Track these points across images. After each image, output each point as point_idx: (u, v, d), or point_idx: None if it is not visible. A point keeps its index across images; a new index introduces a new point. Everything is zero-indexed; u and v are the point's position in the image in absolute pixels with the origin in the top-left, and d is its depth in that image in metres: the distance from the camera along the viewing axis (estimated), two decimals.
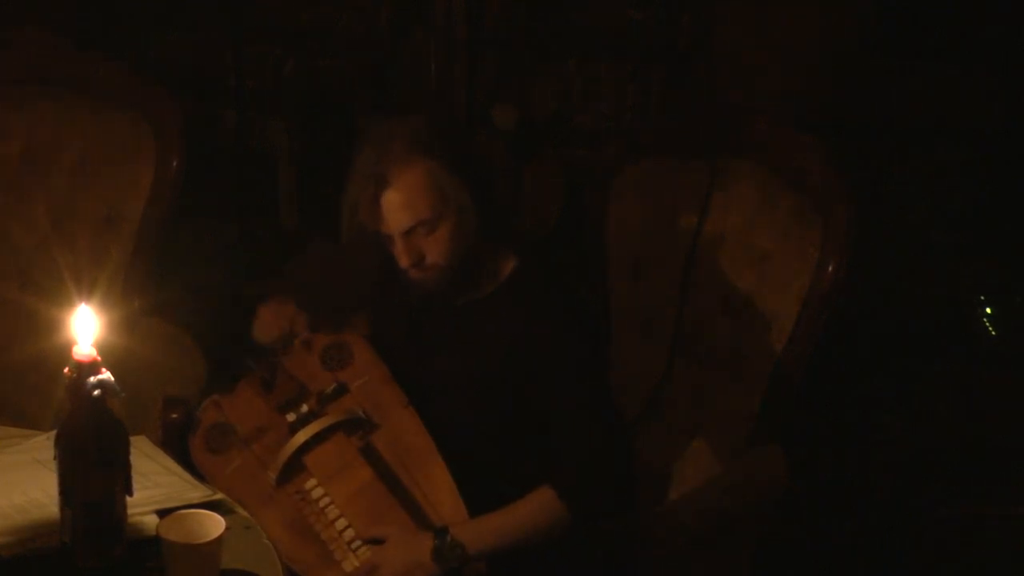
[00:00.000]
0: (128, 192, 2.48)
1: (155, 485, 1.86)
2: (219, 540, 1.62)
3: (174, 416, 2.11)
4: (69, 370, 1.56)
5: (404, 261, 1.98)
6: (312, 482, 1.99)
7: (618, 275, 2.52)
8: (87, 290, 2.40)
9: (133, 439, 1.65)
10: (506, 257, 2.07)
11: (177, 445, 2.06)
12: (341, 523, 1.95)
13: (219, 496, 1.88)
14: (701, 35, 2.89)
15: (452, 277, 2.01)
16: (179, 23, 3.02)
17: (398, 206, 1.94)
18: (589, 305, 2.09)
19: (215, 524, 1.64)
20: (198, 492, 1.87)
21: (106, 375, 1.56)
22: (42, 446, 1.91)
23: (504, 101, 2.95)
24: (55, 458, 1.59)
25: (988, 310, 2.90)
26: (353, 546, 1.93)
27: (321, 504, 1.97)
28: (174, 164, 2.44)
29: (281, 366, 2.13)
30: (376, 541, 1.93)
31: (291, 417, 2.05)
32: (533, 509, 1.93)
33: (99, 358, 1.57)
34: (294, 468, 2.00)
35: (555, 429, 1.98)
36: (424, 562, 1.89)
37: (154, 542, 1.63)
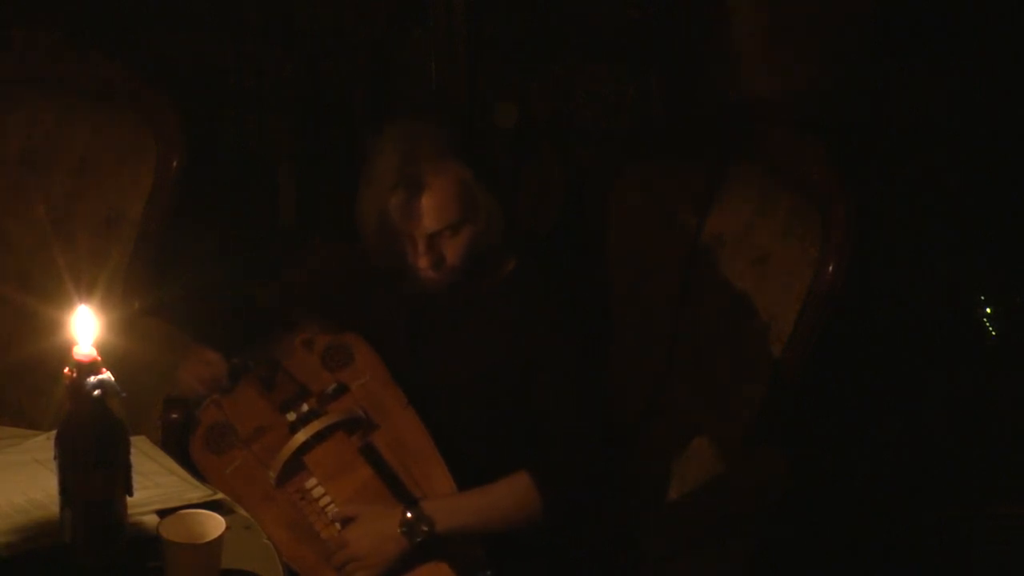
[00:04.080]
0: (128, 192, 2.48)
1: (155, 485, 1.86)
2: (219, 540, 1.62)
3: (174, 416, 2.11)
4: (69, 370, 1.56)
5: (423, 263, 1.99)
6: (312, 481, 1.99)
7: (618, 275, 2.52)
8: (87, 290, 2.39)
9: (133, 439, 1.65)
10: (506, 257, 2.08)
11: (177, 445, 2.06)
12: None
13: (219, 496, 1.88)
14: (701, 35, 2.88)
15: (461, 278, 2.02)
16: (179, 23, 3.02)
17: (429, 209, 1.96)
18: (586, 304, 2.10)
19: (215, 524, 1.64)
20: (198, 492, 1.87)
21: (106, 375, 1.56)
22: (42, 446, 1.91)
23: (504, 101, 2.95)
24: (55, 458, 1.59)
25: (988, 310, 2.90)
26: None
27: (321, 503, 1.97)
28: (174, 164, 2.44)
29: (281, 366, 2.14)
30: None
31: (291, 416, 2.06)
32: (507, 493, 1.94)
33: (99, 358, 1.57)
34: (294, 467, 2.00)
35: (541, 420, 1.99)
36: (394, 535, 1.89)
37: (154, 542, 1.63)
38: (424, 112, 2.09)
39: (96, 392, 1.55)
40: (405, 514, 1.89)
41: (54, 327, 1.78)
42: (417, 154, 1.95)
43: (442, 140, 1.97)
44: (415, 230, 1.97)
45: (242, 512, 1.87)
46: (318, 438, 2.02)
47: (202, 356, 2.13)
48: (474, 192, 1.98)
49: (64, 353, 1.58)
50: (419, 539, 1.89)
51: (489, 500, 1.94)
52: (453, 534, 1.91)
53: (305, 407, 2.07)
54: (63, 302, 1.98)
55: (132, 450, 1.62)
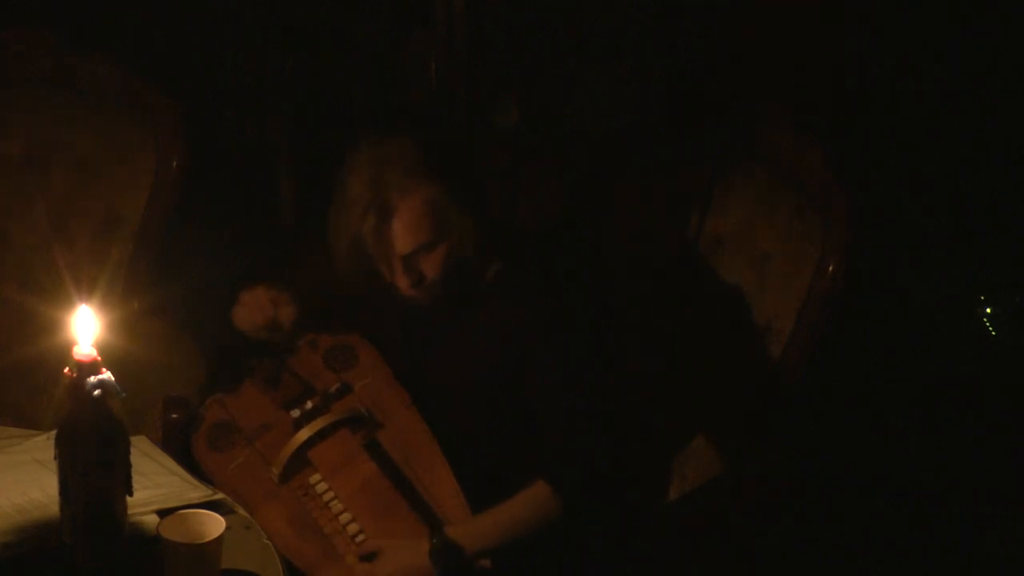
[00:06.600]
0: (128, 192, 2.48)
1: (155, 485, 1.86)
2: (219, 540, 1.62)
3: (175, 416, 2.11)
4: (69, 370, 1.56)
5: (403, 282, 2.00)
6: (316, 477, 1.99)
7: (618, 275, 2.52)
8: (87, 290, 2.39)
9: (133, 439, 1.65)
10: (490, 260, 2.08)
11: (178, 445, 2.06)
12: (345, 517, 1.95)
13: (219, 496, 1.89)
14: (701, 35, 2.89)
15: (442, 291, 2.03)
16: (179, 23, 3.02)
17: (401, 232, 1.97)
18: (579, 302, 2.10)
19: (215, 524, 1.64)
20: (198, 492, 1.87)
21: (106, 375, 1.56)
22: (42, 446, 1.91)
23: (504, 101, 2.95)
24: (55, 458, 1.59)
25: (988, 310, 2.90)
26: (357, 540, 1.93)
27: (325, 499, 1.97)
28: (174, 164, 2.44)
29: (285, 365, 2.14)
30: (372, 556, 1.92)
31: (295, 414, 2.06)
32: (528, 504, 1.93)
33: (99, 358, 1.57)
34: (298, 463, 2.00)
35: (545, 422, 1.99)
36: (422, 565, 1.88)
37: (154, 542, 1.63)
38: (393, 129, 2.09)
39: (96, 392, 1.55)
40: (432, 543, 1.89)
41: (54, 327, 1.77)
42: (385, 178, 1.96)
43: (411, 159, 1.97)
44: (390, 253, 1.98)
45: (242, 512, 1.87)
46: (322, 435, 2.02)
47: (274, 295, 2.12)
48: (445, 208, 1.98)
49: (64, 353, 1.58)
50: (451, 567, 1.87)
51: (512, 514, 1.93)
52: (481, 556, 1.90)
53: (309, 404, 2.07)
54: (63, 302, 1.98)
55: (132, 450, 1.62)
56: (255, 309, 2.13)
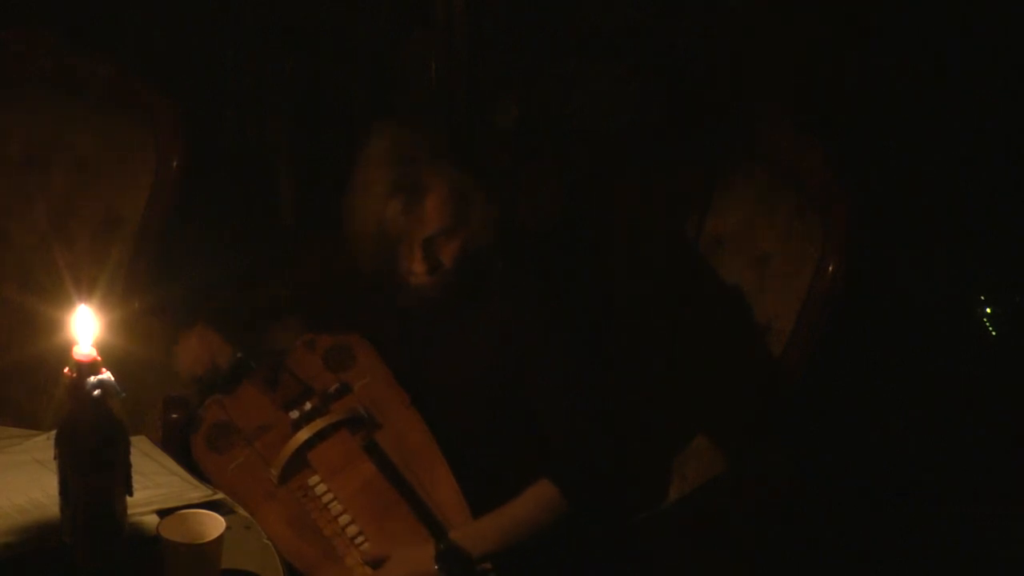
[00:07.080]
0: (128, 192, 2.48)
1: (155, 485, 1.86)
2: (219, 540, 1.62)
3: (175, 416, 2.11)
4: (69, 370, 1.56)
5: (420, 268, 2.00)
6: (315, 478, 1.99)
7: (618, 275, 2.53)
8: (87, 290, 2.39)
9: (133, 439, 1.65)
10: (493, 259, 2.08)
11: (178, 445, 2.06)
12: (344, 519, 1.95)
13: (219, 496, 1.88)
14: (701, 35, 2.89)
15: (453, 279, 2.03)
16: (179, 23, 3.02)
17: (430, 212, 1.96)
18: (579, 302, 2.10)
19: (215, 524, 1.64)
20: (198, 492, 1.87)
21: (106, 375, 1.56)
22: (42, 446, 1.91)
23: (504, 101, 2.96)
24: (55, 458, 1.59)
25: (988, 310, 2.90)
26: (356, 541, 1.93)
27: (324, 500, 1.97)
28: (174, 164, 2.44)
29: (284, 366, 2.14)
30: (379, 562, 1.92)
31: (294, 415, 2.06)
32: (534, 505, 1.93)
33: (99, 358, 1.57)
34: (297, 465, 2.00)
35: (546, 422, 1.99)
36: (428, 571, 1.88)
37: (154, 542, 1.63)
38: (412, 117, 2.09)
39: (96, 392, 1.55)
40: (438, 549, 1.88)
41: (54, 327, 1.78)
42: (412, 159, 1.96)
43: (433, 144, 1.99)
44: (414, 234, 1.98)
45: (242, 512, 1.87)
46: (321, 436, 2.02)
47: (206, 336, 2.12)
48: (468, 195, 1.99)
49: (64, 353, 1.58)
50: (457, 572, 1.87)
51: (517, 516, 1.93)
52: (488, 557, 1.90)
53: (308, 405, 2.07)
54: (63, 302, 1.98)
55: (132, 450, 1.62)
56: (193, 359, 2.13)
